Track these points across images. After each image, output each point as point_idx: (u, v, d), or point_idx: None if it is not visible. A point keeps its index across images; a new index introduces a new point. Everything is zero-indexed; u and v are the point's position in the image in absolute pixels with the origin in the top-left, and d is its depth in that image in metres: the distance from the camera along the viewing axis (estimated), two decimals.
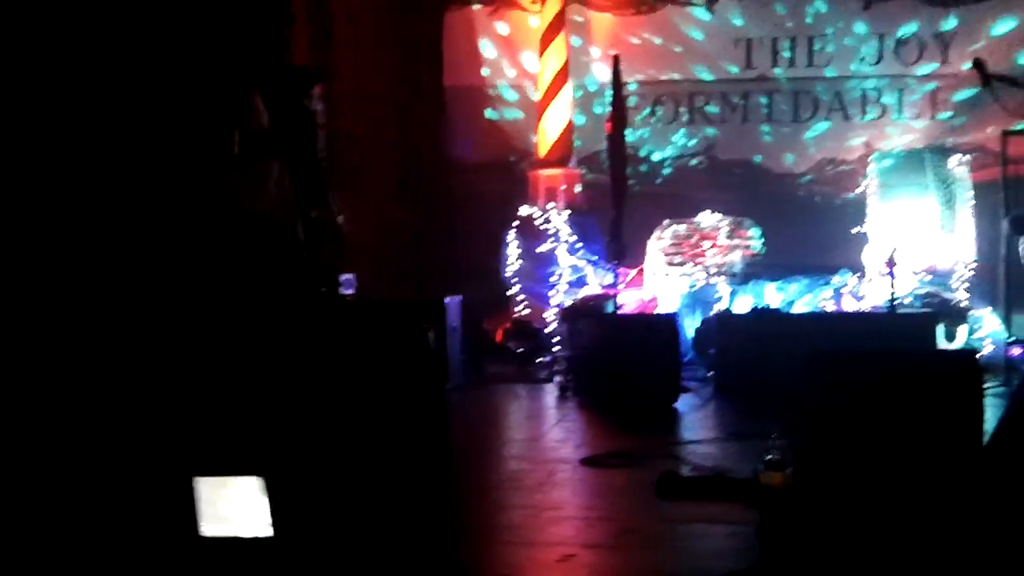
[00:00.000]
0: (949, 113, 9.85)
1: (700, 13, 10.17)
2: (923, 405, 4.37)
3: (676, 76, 10.26)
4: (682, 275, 9.05)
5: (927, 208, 8.80)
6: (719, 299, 8.79)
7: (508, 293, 9.19)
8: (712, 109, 10.26)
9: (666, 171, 10.25)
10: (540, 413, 6.85)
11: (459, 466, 5.03)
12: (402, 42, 9.87)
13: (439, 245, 9.59)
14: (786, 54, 10.15)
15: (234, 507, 3.30)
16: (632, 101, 9.96)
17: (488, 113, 10.35)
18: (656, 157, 10.25)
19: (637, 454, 5.13)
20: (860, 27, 10.01)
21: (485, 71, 10.35)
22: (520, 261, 9.21)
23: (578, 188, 9.69)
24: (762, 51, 10.16)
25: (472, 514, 4.15)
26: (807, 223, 9.82)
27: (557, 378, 7.28)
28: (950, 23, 9.87)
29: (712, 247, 9.08)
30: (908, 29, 9.95)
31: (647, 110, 10.26)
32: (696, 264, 9.03)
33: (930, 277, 8.68)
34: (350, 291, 7.43)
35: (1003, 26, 9.73)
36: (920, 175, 8.86)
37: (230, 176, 4.32)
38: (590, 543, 3.78)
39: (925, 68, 9.93)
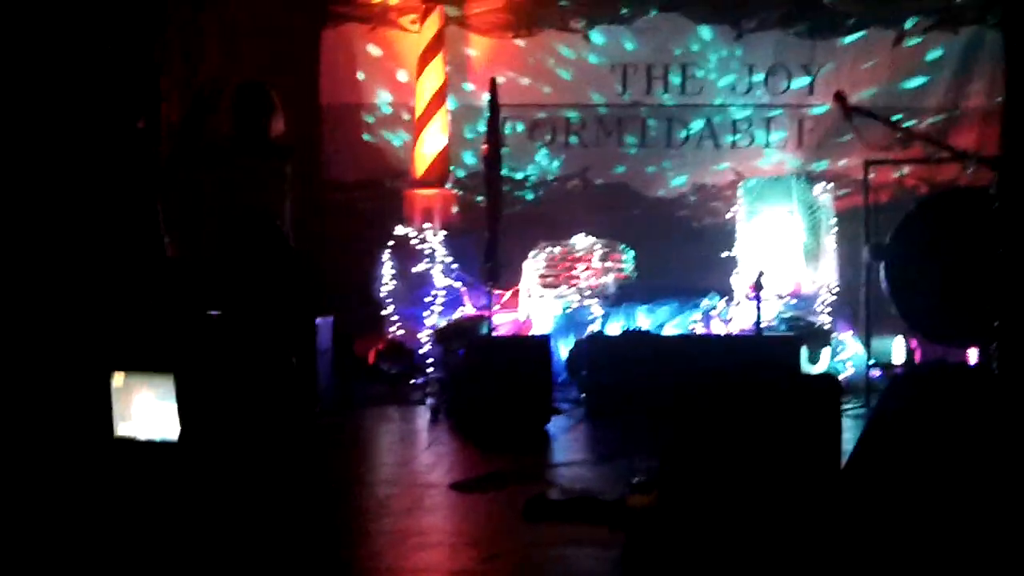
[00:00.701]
0: (815, 142, 10.15)
1: (577, 39, 10.27)
2: (785, 428, 4.47)
3: (553, 100, 10.34)
4: (556, 297, 9.11)
5: (793, 234, 9.06)
6: (592, 321, 8.87)
7: (382, 314, 9.11)
8: (588, 133, 10.36)
9: (541, 193, 10.30)
10: (411, 436, 6.79)
11: (325, 492, 4.97)
12: (277, 59, 9.70)
13: (314, 265, 9.43)
14: (660, 81, 10.32)
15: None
16: (509, 123, 10.00)
17: (365, 132, 10.24)
18: (532, 179, 10.30)
19: (507, 477, 5.13)
20: (732, 57, 10.25)
21: (362, 90, 10.25)
22: (394, 281, 9.15)
23: (454, 209, 9.66)
24: (637, 77, 10.31)
25: (337, 541, 4.08)
26: (678, 247, 9.99)
27: (430, 400, 7.23)
28: (817, 56, 10.19)
29: (585, 269, 9.17)
30: (777, 59, 10.23)
31: (524, 132, 10.31)
32: (570, 286, 9.10)
33: (795, 301, 8.92)
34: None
35: (868, 60, 10.09)
36: (786, 201, 9.12)
37: None
38: (456, 569, 3.75)
39: (793, 98, 10.21)
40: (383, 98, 10.21)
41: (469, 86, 10.14)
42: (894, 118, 7.96)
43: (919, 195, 9.52)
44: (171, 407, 5.02)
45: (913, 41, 10.10)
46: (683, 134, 10.31)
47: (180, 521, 4.16)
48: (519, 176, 10.21)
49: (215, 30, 8.77)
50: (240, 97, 5.77)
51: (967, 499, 3.68)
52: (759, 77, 10.26)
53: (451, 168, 9.84)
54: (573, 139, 10.36)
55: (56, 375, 5.06)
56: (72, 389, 5.00)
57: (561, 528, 4.18)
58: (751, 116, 10.30)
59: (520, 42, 10.27)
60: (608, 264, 9.21)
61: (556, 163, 10.36)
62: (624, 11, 10.22)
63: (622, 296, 9.09)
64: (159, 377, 5.06)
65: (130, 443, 5.01)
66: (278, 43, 9.55)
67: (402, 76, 10.06)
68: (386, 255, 9.14)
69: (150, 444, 5.00)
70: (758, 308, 7.16)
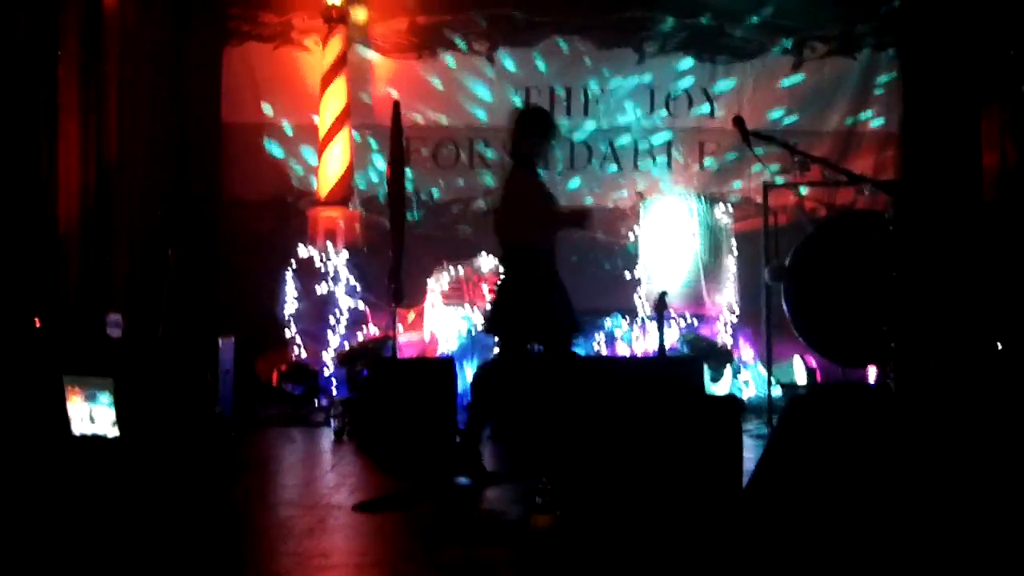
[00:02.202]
0: (716, 165, 10.32)
1: (480, 61, 10.30)
2: (687, 447, 4.50)
3: (457, 121, 10.33)
4: (461, 318, 9.07)
5: (695, 255, 9.17)
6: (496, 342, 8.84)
7: (285, 334, 8.97)
8: (491, 154, 10.37)
9: (446, 214, 10.27)
10: (314, 458, 6.68)
11: (226, 512, 4.84)
12: (180, 76, 9.54)
13: (213, 284, 9.26)
14: (564, 103, 10.38)
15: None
16: (413, 144, 9.96)
17: (267, 151, 10.11)
18: (436, 200, 10.27)
19: (411, 499, 5.07)
20: (635, 80, 10.37)
21: (265, 108, 10.12)
22: (297, 302, 9.02)
23: (357, 229, 9.57)
24: (540, 99, 10.37)
25: (238, 563, 3.98)
26: (582, 267, 10.04)
27: (333, 422, 7.12)
28: (718, 80, 10.37)
29: (489, 291, 9.14)
30: (680, 84, 10.39)
31: (427, 153, 10.28)
32: (474, 307, 9.07)
33: (697, 322, 9.02)
34: (117, 331, 7.10)
35: (768, 85, 10.30)
36: (688, 223, 9.23)
37: None
38: None
39: (694, 122, 10.37)
40: (286, 117, 10.09)
41: (372, 107, 10.07)
42: (793, 142, 8.09)
43: (818, 217, 9.72)
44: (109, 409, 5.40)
45: (812, 66, 10.35)
46: (586, 156, 10.38)
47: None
48: (423, 196, 10.17)
49: (116, 49, 8.59)
50: None
51: (867, 516, 3.73)
52: (661, 101, 10.39)
53: (354, 188, 9.75)
54: (477, 160, 10.36)
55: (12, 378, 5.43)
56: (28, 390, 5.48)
57: (463, 549, 4.13)
58: (653, 139, 10.42)
59: (424, 64, 10.25)
60: None
61: (460, 184, 10.34)
62: (528, 34, 10.27)
63: None
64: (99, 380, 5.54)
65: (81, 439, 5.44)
66: (178, 61, 9.40)
67: (305, 96, 9.94)
68: (289, 275, 9.01)
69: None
70: (661, 329, 7.20)
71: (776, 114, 10.17)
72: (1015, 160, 8.66)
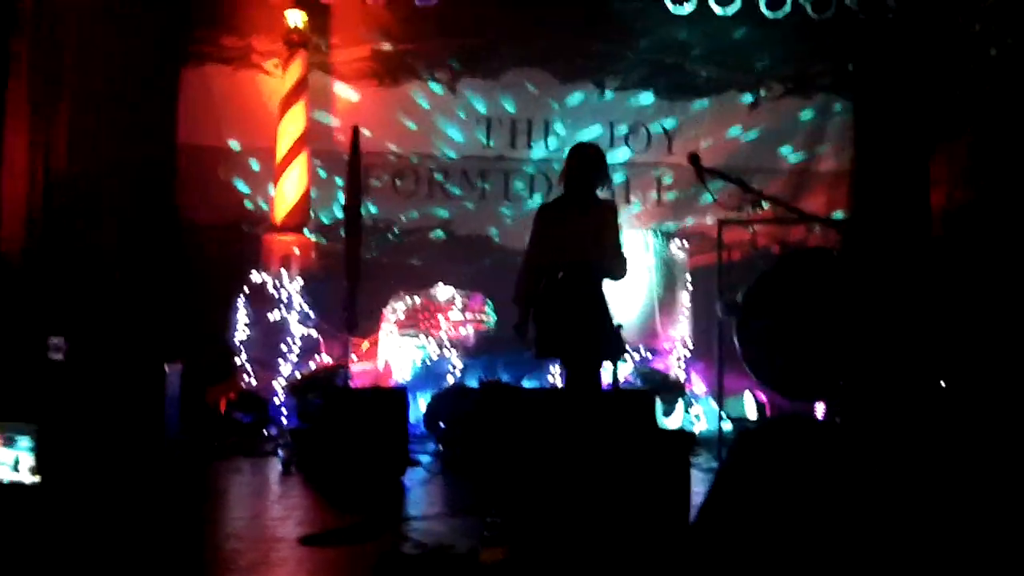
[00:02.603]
0: (672, 200, 10.39)
1: (441, 91, 10.31)
2: (638, 481, 4.50)
3: (417, 150, 10.33)
4: (416, 347, 9.04)
5: (649, 288, 9.22)
6: (451, 372, 8.83)
7: (235, 361, 8.88)
8: (452, 185, 10.37)
9: (402, 242, 10.24)
10: (261, 489, 6.61)
11: (168, 546, 4.77)
12: (136, 97, 9.46)
13: (163, 309, 9.14)
14: (524, 135, 10.42)
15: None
16: (371, 171, 9.94)
17: (223, 174, 10.02)
18: (394, 229, 10.24)
19: (359, 531, 5.02)
20: (594, 114, 10.43)
21: (222, 132, 10.04)
22: (249, 328, 8.94)
23: (313, 256, 9.52)
24: (501, 131, 10.40)
25: None
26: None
27: (281, 452, 7.05)
28: (676, 116, 10.46)
29: (446, 320, 9.13)
30: (638, 119, 10.47)
31: (386, 181, 10.25)
32: (429, 337, 9.05)
33: (651, 355, 9.06)
34: (59, 355, 6.98)
35: (724, 123, 10.41)
36: (643, 257, 9.28)
37: None
38: None
39: (651, 157, 10.45)
40: (243, 141, 10.02)
41: (331, 133, 10.04)
42: (747, 179, 8.19)
43: (770, 254, 9.81)
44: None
45: (768, 105, 10.47)
46: (546, 188, 10.41)
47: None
48: (380, 224, 10.14)
49: (72, 63, 8.52)
50: None
51: (812, 549, 3.75)
52: (620, 135, 10.47)
53: (311, 214, 9.70)
54: (436, 190, 10.36)
55: None
56: None
57: None
58: (611, 173, 10.45)
59: (386, 92, 10.24)
60: (468, 315, 9.19)
61: (418, 213, 10.32)
62: (490, 64, 10.30)
63: (482, 348, 9.08)
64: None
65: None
66: (135, 81, 9.33)
67: (263, 120, 9.88)
68: (241, 301, 8.94)
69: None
70: (615, 362, 7.22)
71: (731, 152, 10.26)
72: (962, 200, 8.81)
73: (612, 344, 5.98)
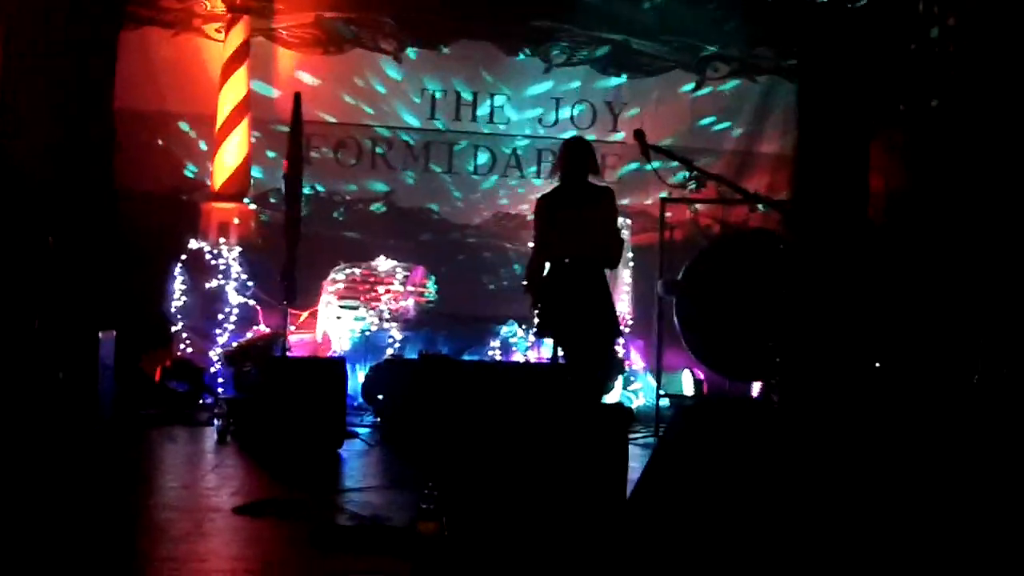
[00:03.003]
0: (616, 178, 10.39)
1: (387, 61, 10.20)
2: (576, 455, 4.51)
3: (360, 120, 10.22)
4: (355, 319, 8.98)
5: None
6: (391, 345, 8.78)
7: (171, 330, 8.74)
8: (395, 156, 10.29)
9: (345, 214, 10.15)
10: (196, 458, 6.53)
11: (100, 515, 4.69)
12: (73, 60, 9.22)
13: (98, 276, 8.95)
14: (470, 108, 10.36)
15: None
16: (314, 141, 9.82)
17: (162, 140, 9.82)
18: (335, 198, 10.13)
19: (294, 502, 4.98)
20: (539, 89, 10.40)
21: (161, 97, 9.81)
22: (185, 297, 8.81)
23: (252, 225, 9.39)
24: (446, 104, 10.33)
25: (112, 567, 3.85)
26: (480, 273, 10.06)
27: (217, 421, 6.96)
28: (622, 94, 10.46)
29: (386, 292, 9.07)
30: (584, 95, 10.45)
31: (328, 150, 10.13)
32: (370, 309, 8.99)
33: None
34: None
35: (670, 102, 10.43)
36: None
37: None
38: None
39: (596, 133, 10.42)
40: (182, 107, 9.81)
41: (273, 100, 9.88)
42: (691, 159, 8.23)
43: (712, 234, 9.88)
44: None
45: (714, 86, 10.51)
46: (489, 162, 10.37)
47: None
48: (321, 195, 10.03)
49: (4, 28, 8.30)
50: None
51: (748, 526, 3.78)
52: (565, 111, 10.45)
53: (250, 183, 9.55)
54: (379, 161, 10.26)
55: None
56: None
57: (347, 556, 4.07)
58: (555, 148, 10.43)
59: (329, 60, 10.11)
60: (409, 288, 9.15)
61: (361, 184, 10.22)
62: (436, 36, 10.21)
63: (422, 321, 9.04)
64: None
65: None
66: (75, 43, 9.11)
67: (204, 86, 9.68)
68: (178, 269, 8.80)
69: None
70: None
71: (675, 130, 10.29)
72: (900, 185, 8.93)
73: (616, 326, 6.31)
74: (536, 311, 6.19)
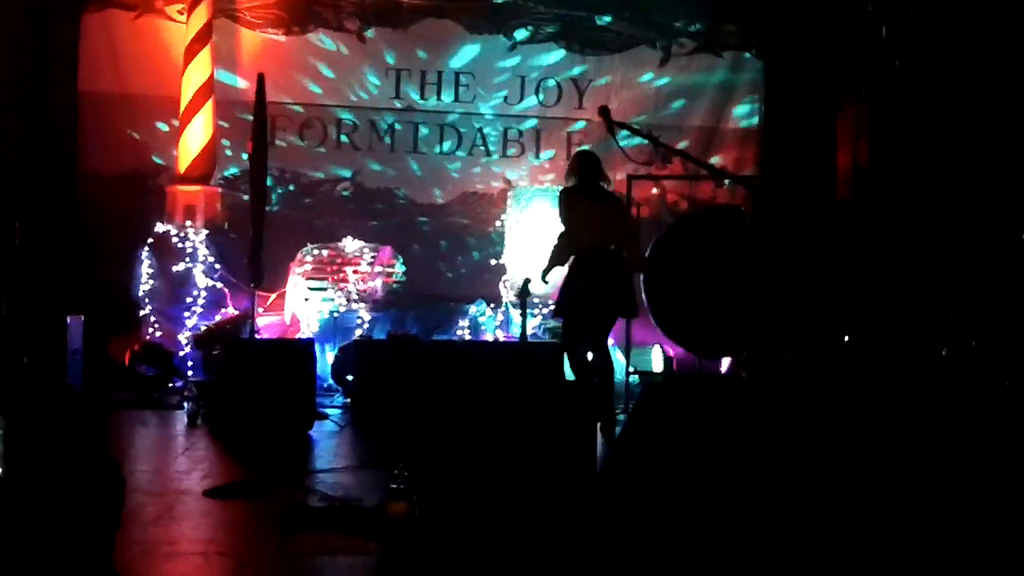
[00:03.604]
0: None
1: (351, 39, 10.14)
2: (543, 433, 4.54)
3: (325, 101, 10.16)
4: (323, 300, 8.96)
5: None
6: (359, 325, 8.78)
7: (139, 314, 8.70)
8: (360, 137, 10.24)
9: (311, 195, 10.10)
10: (166, 442, 6.51)
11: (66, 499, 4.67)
12: (35, 43, 9.12)
13: (64, 260, 8.88)
14: (434, 87, 10.32)
15: None
16: (278, 121, 9.76)
17: (126, 123, 9.73)
18: (301, 180, 10.08)
19: (264, 484, 4.99)
20: (504, 66, 10.38)
21: (125, 79, 9.72)
22: (153, 280, 8.76)
23: (218, 207, 9.33)
24: (410, 83, 10.29)
25: (80, 552, 3.84)
26: (448, 253, 10.06)
27: (187, 405, 6.95)
28: (587, 71, 10.45)
29: (354, 273, 9.06)
30: (549, 73, 10.44)
31: (293, 131, 10.07)
32: (338, 290, 8.97)
33: None
34: None
35: (635, 78, 10.44)
36: (554, 211, 9.28)
37: None
38: None
39: (562, 111, 10.44)
40: (146, 89, 9.72)
41: (237, 81, 9.81)
42: (656, 135, 8.27)
43: (679, 210, 9.91)
44: None
45: (679, 62, 10.51)
46: (455, 141, 10.35)
47: None
48: (287, 176, 9.98)
49: None
50: None
51: (718, 501, 3.82)
52: (531, 89, 10.43)
53: (215, 165, 9.48)
54: (344, 141, 10.22)
55: None
56: None
57: (318, 537, 4.08)
58: (521, 127, 10.45)
59: (292, 40, 10.04)
60: (377, 268, 9.13)
61: (326, 165, 10.18)
62: (399, 15, 10.16)
63: (390, 301, 9.04)
64: None
65: None
66: (36, 26, 9.01)
67: (167, 68, 9.59)
68: (145, 253, 8.75)
69: None
70: (524, 316, 7.26)
71: (641, 107, 10.30)
72: (867, 160, 8.98)
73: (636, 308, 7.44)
74: (544, 273, 6.97)
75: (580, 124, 10.37)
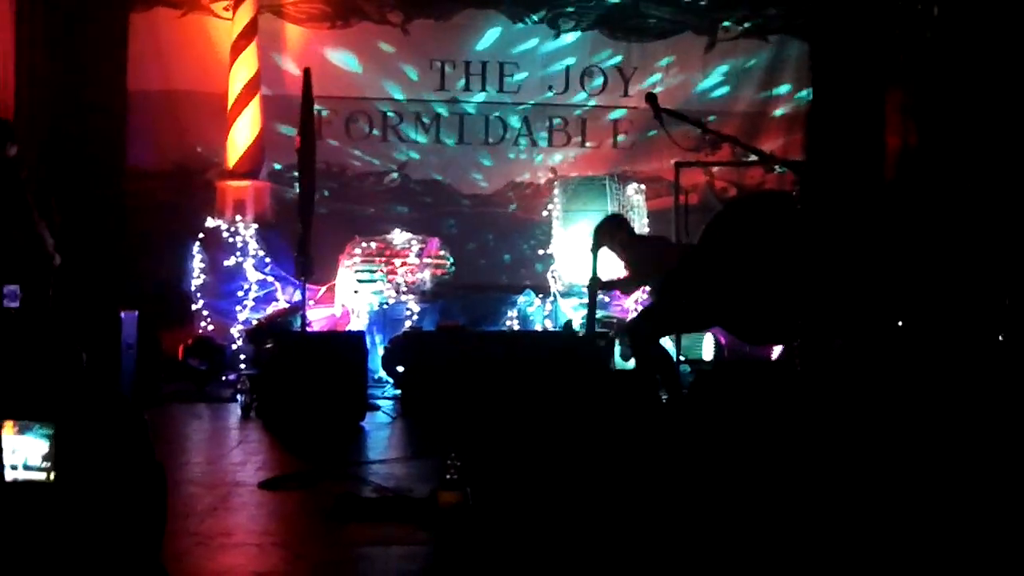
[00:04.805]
0: (629, 143, 10.36)
1: (395, 32, 10.17)
2: (595, 423, 4.53)
3: (370, 94, 10.21)
4: (373, 292, 8.99)
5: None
6: (409, 317, 8.81)
7: (191, 308, 8.80)
8: (406, 129, 10.28)
9: (358, 188, 10.15)
10: (220, 434, 6.58)
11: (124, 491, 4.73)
12: (85, 42, 9.24)
13: (118, 256, 8.99)
14: (479, 78, 10.32)
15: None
16: (325, 116, 9.81)
17: (174, 120, 9.83)
18: (348, 174, 10.14)
19: (317, 476, 5.02)
20: (549, 56, 10.35)
21: (172, 77, 9.82)
22: (205, 275, 8.85)
23: (267, 201, 9.41)
24: (455, 74, 10.30)
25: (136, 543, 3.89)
26: (495, 244, 10.07)
27: (240, 397, 7.01)
28: (632, 59, 10.40)
29: (403, 265, 9.09)
30: (594, 61, 10.40)
31: (340, 125, 10.12)
32: (387, 282, 9.00)
33: (609, 299, 9.07)
34: (14, 304, 6.86)
35: (681, 64, 10.37)
36: (601, 201, 9.26)
37: None
38: (261, 571, 3.62)
39: (607, 99, 10.40)
40: (194, 86, 9.82)
41: (283, 76, 9.87)
42: (704, 121, 8.20)
43: (727, 196, 9.84)
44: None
45: (725, 47, 10.43)
46: (500, 132, 10.35)
47: None
48: (335, 169, 10.04)
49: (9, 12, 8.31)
50: None
51: (770, 487, 3.79)
52: (576, 78, 10.40)
53: (263, 159, 9.55)
54: (390, 133, 10.25)
55: None
56: None
57: (370, 527, 4.10)
58: (567, 116, 10.43)
59: (337, 33, 10.09)
60: (425, 260, 9.16)
61: (373, 158, 10.22)
62: (442, 6, 10.17)
63: (439, 292, 9.06)
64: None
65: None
66: (85, 26, 9.12)
67: (214, 64, 9.68)
68: (196, 247, 8.84)
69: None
70: (592, 309, 7.22)
71: (688, 93, 10.23)
72: (915, 142, 8.86)
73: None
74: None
75: (622, 112, 10.32)
